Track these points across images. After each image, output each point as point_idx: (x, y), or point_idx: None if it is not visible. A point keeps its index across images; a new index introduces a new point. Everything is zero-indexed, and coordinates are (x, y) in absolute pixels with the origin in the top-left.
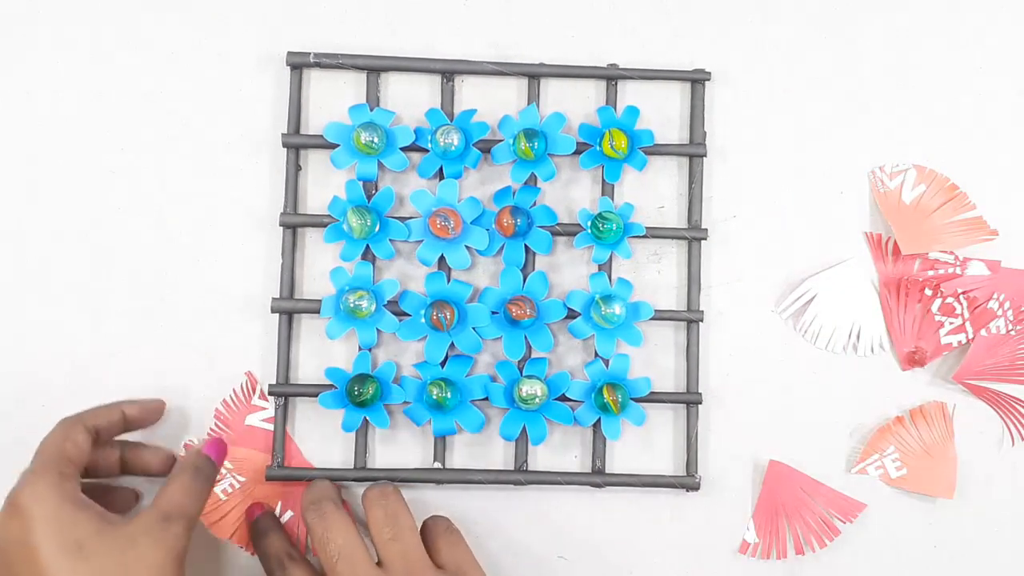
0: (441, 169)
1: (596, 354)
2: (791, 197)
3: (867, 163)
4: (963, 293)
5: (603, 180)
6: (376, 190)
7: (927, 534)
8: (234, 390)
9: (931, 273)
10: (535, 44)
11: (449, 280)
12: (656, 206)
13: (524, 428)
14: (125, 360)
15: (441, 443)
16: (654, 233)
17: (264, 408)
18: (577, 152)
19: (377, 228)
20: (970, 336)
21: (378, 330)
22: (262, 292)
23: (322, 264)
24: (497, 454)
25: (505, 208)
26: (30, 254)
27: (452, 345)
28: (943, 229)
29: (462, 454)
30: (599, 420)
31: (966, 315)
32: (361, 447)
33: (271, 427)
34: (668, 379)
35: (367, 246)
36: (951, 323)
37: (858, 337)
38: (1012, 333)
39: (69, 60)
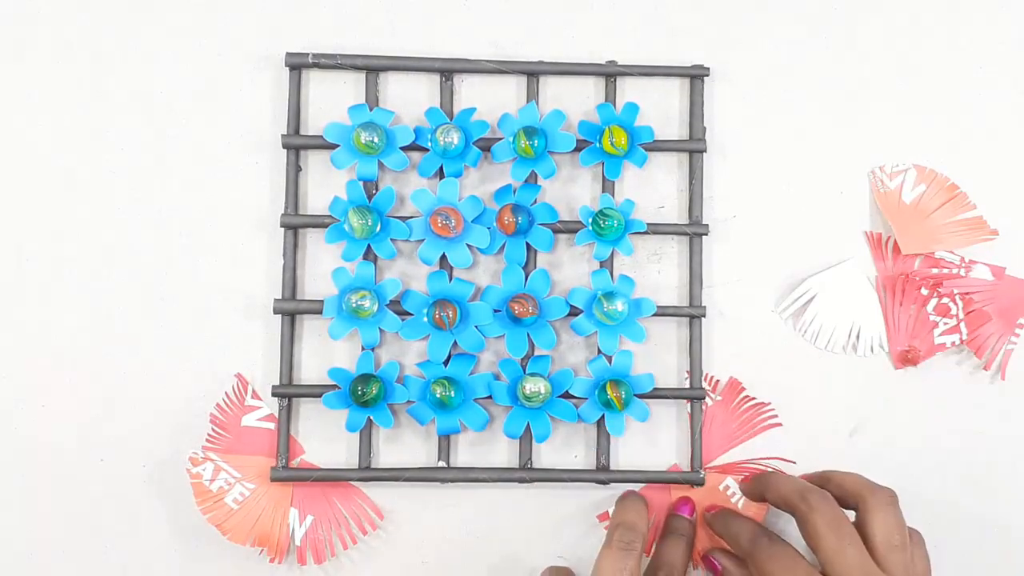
0: (441, 168)
1: (599, 351)
2: (791, 196)
3: (867, 163)
4: (960, 294)
5: (603, 177)
6: (376, 190)
7: (927, 534)
8: (226, 392)
9: (935, 272)
10: (534, 42)
11: (451, 279)
12: (656, 205)
13: (528, 426)
14: (125, 360)
15: (445, 442)
16: (655, 229)
17: (259, 408)
18: (577, 149)
19: (378, 228)
20: (964, 337)
21: (381, 330)
22: (263, 293)
23: (324, 264)
24: (501, 452)
25: (506, 206)
26: (30, 254)
27: (455, 344)
28: (943, 229)
29: (466, 453)
30: (603, 417)
31: (961, 316)
32: (365, 447)
33: (268, 426)
34: (671, 376)
35: (368, 246)
36: (945, 323)
37: (858, 337)
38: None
39: (69, 60)
